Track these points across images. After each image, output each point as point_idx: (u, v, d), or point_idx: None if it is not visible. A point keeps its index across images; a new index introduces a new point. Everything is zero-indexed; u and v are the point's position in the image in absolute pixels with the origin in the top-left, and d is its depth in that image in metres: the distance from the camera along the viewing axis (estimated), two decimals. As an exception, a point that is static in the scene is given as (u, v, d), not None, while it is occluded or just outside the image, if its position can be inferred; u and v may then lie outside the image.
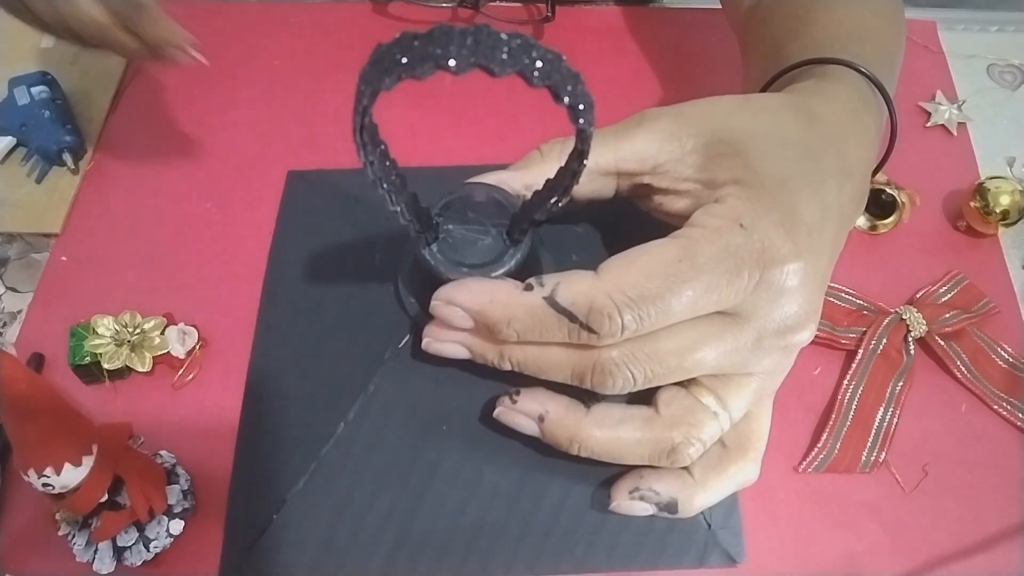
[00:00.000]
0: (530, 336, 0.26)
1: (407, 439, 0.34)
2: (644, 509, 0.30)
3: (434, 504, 0.34)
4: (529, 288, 0.26)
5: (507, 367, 0.28)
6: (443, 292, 0.27)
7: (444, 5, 0.59)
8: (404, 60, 0.19)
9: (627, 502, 0.30)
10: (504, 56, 0.19)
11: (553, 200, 0.25)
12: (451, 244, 0.28)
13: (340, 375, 0.34)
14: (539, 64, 0.20)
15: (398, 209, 0.25)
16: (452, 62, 0.19)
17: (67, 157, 0.51)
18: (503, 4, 0.60)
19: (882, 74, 0.37)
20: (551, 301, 0.25)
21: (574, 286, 0.25)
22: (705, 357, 0.26)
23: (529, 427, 0.29)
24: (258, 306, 0.42)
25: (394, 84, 0.20)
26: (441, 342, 0.29)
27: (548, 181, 0.26)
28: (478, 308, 0.27)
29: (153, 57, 0.40)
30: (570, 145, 0.24)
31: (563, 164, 0.25)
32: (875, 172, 0.39)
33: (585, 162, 0.23)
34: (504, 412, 0.30)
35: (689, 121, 0.29)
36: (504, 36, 0.19)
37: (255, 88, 0.56)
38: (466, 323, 0.27)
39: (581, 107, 0.21)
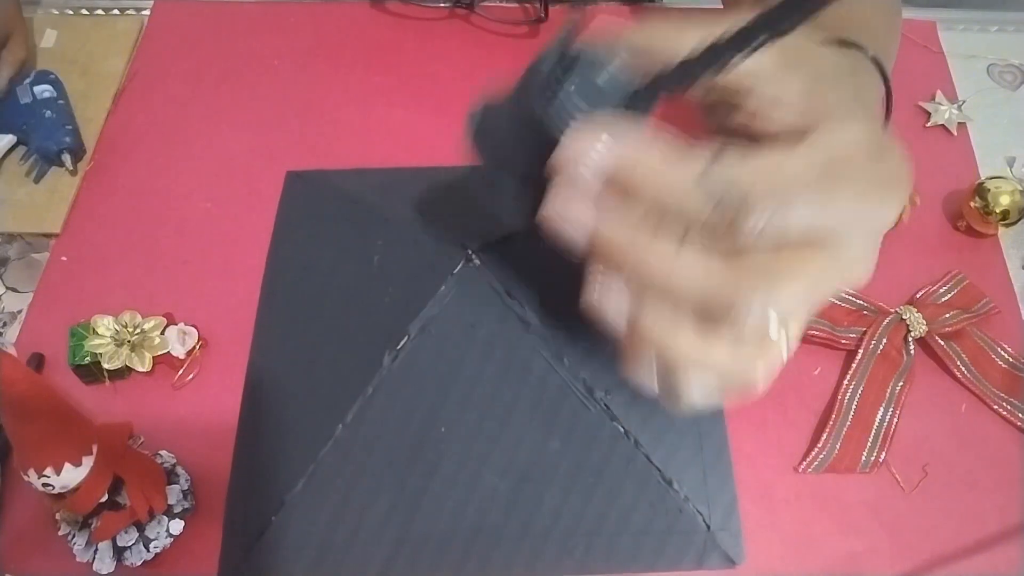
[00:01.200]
0: (659, 210, 0.23)
1: (405, 441, 0.34)
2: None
3: (433, 506, 0.34)
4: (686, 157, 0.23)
5: (623, 280, 0.25)
6: (577, 138, 0.24)
7: (441, 5, 0.59)
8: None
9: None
10: None
11: (735, 57, 0.22)
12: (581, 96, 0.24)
13: (339, 377, 0.34)
14: None
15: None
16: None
17: (66, 158, 0.50)
18: (498, 4, 0.60)
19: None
20: (706, 180, 0.23)
21: (734, 170, 0.23)
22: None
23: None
24: (257, 305, 0.42)
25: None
26: (565, 214, 0.25)
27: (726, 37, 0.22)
28: (620, 152, 0.24)
29: None
30: None
31: None
32: None
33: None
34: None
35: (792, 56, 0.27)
36: None
37: (255, 88, 0.56)
38: (596, 163, 0.24)
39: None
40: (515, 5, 0.61)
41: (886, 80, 0.37)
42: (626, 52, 0.26)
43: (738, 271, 0.23)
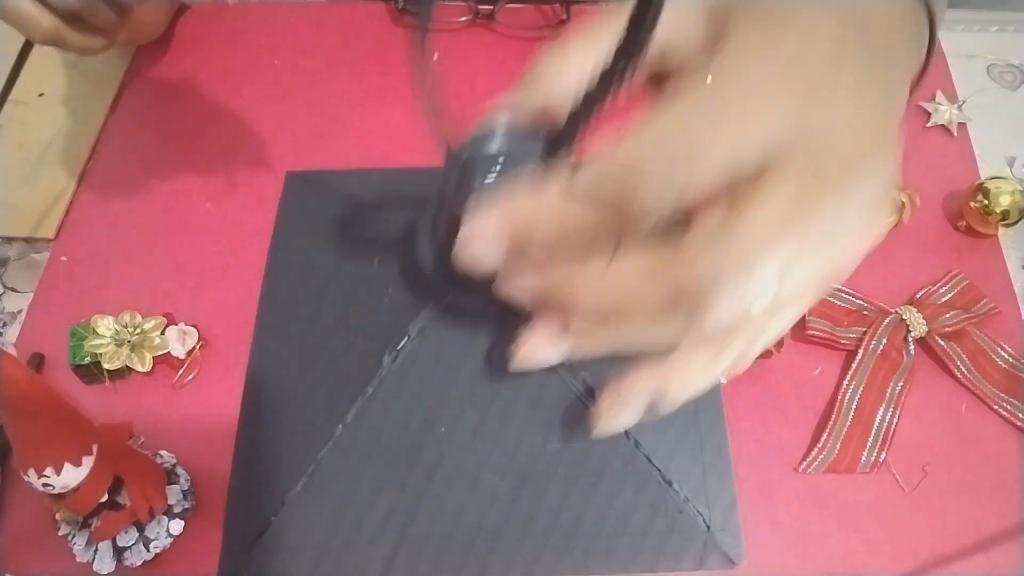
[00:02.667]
0: (561, 243, 0.23)
1: (405, 441, 0.34)
2: (630, 415, 0.26)
3: (433, 506, 0.34)
4: (542, 187, 0.23)
5: (575, 322, 0.24)
6: (463, 232, 0.24)
7: (462, 19, 0.58)
8: None
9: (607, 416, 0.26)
10: None
11: (617, 85, 0.22)
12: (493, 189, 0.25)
13: (338, 377, 0.34)
14: None
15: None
16: None
17: None
18: (519, 6, 0.60)
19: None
20: (570, 189, 0.22)
21: (591, 167, 0.22)
22: (798, 212, 0.21)
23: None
24: (257, 305, 0.42)
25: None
26: (513, 289, 0.24)
27: (600, 71, 0.22)
28: (497, 226, 0.23)
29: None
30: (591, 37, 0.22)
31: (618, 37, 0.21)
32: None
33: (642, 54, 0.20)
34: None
35: None
36: None
37: (255, 88, 0.56)
38: (493, 258, 0.24)
39: None
40: (534, 8, 0.60)
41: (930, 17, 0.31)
42: (506, 112, 0.26)
43: (672, 262, 0.21)
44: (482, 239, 0.24)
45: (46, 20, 0.40)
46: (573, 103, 0.23)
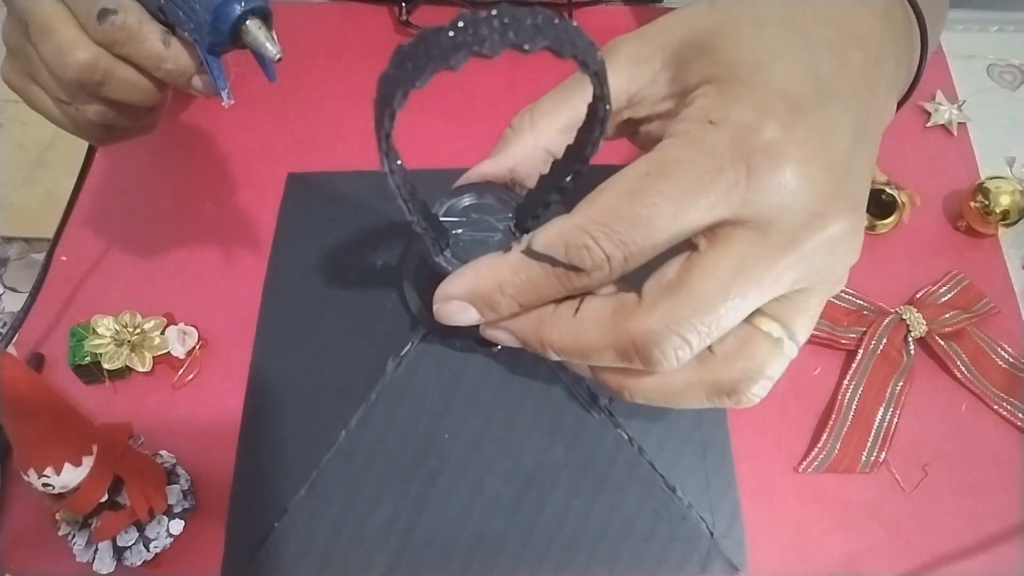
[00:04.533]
0: (527, 299, 0.25)
1: (409, 447, 0.33)
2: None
3: (436, 512, 0.34)
4: (507, 249, 0.25)
5: (552, 356, 0.26)
6: (438, 292, 0.27)
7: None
8: (435, 53, 0.19)
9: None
10: (533, 30, 0.19)
11: (579, 163, 0.24)
12: (462, 247, 0.28)
13: (342, 382, 0.34)
14: (566, 34, 0.20)
15: (415, 219, 0.25)
16: (487, 45, 0.19)
17: (253, 28, 0.35)
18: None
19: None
20: (529, 252, 0.24)
21: (547, 230, 0.24)
22: (749, 283, 0.23)
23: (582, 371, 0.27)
24: (259, 310, 0.42)
25: (427, 80, 0.20)
26: (492, 335, 0.27)
27: (568, 147, 0.25)
28: (467, 289, 0.25)
29: (167, 88, 0.36)
30: (543, 110, 0.24)
31: (579, 125, 0.24)
32: (900, 103, 0.34)
33: (609, 107, 0.22)
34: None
35: (652, 37, 0.27)
36: (528, 12, 0.19)
37: (255, 88, 0.56)
38: (469, 315, 0.26)
39: (587, 62, 0.20)
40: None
41: (922, 29, 0.32)
42: (480, 174, 0.29)
43: (630, 311, 0.24)
44: (455, 303, 0.26)
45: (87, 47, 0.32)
46: (540, 175, 0.26)
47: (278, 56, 0.35)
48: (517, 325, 0.26)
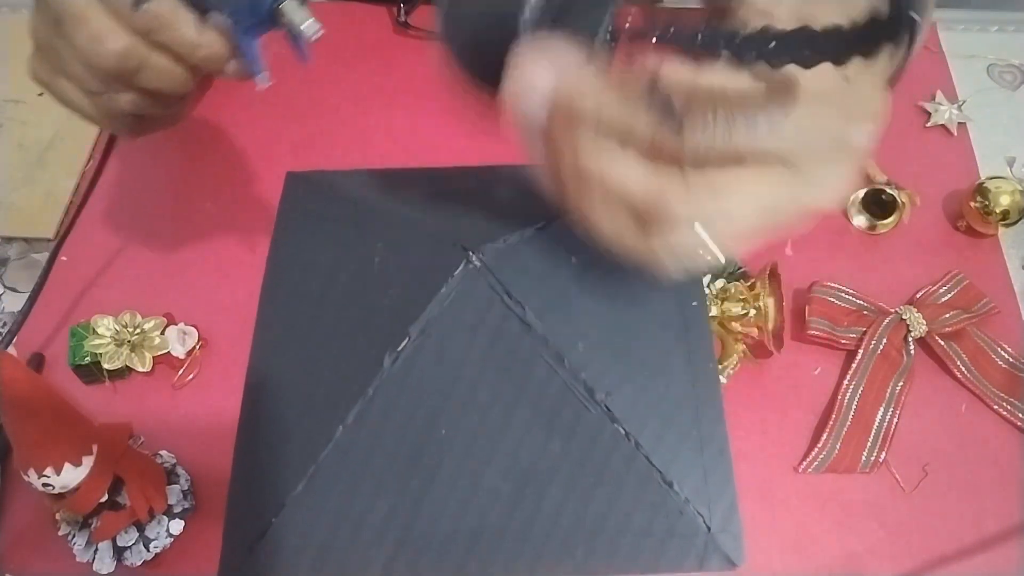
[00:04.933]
0: (612, 127, 0.24)
1: (406, 443, 0.34)
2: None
3: (433, 508, 0.34)
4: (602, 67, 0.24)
5: (567, 170, 0.25)
6: (515, 72, 0.25)
7: None
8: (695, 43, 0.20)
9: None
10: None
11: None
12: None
13: (339, 379, 0.34)
14: None
15: None
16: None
17: (291, 9, 0.35)
18: None
19: None
20: (651, 87, 0.23)
21: (677, 73, 0.23)
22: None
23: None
24: (257, 307, 0.42)
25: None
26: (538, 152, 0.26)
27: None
28: (554, 80, 0.24)
29: (204, 76, 0.36)
30: None
31: None
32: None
33: None
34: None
35: None
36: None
37: (255, 88, 0.56)
38: (542, 81, 0.25)
39: None
40: None
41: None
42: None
43: (673, 182, 0.23)
44: (538, 73, 0.25)
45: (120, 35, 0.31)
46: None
47: (320, 33, 0.34)
48: (564, 146, 0.25)
